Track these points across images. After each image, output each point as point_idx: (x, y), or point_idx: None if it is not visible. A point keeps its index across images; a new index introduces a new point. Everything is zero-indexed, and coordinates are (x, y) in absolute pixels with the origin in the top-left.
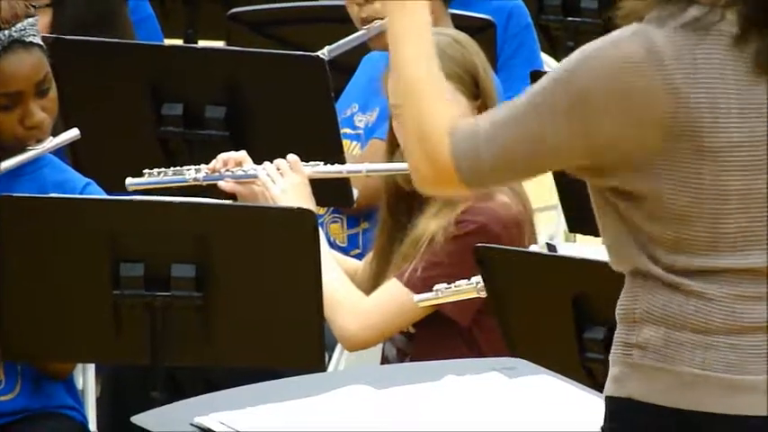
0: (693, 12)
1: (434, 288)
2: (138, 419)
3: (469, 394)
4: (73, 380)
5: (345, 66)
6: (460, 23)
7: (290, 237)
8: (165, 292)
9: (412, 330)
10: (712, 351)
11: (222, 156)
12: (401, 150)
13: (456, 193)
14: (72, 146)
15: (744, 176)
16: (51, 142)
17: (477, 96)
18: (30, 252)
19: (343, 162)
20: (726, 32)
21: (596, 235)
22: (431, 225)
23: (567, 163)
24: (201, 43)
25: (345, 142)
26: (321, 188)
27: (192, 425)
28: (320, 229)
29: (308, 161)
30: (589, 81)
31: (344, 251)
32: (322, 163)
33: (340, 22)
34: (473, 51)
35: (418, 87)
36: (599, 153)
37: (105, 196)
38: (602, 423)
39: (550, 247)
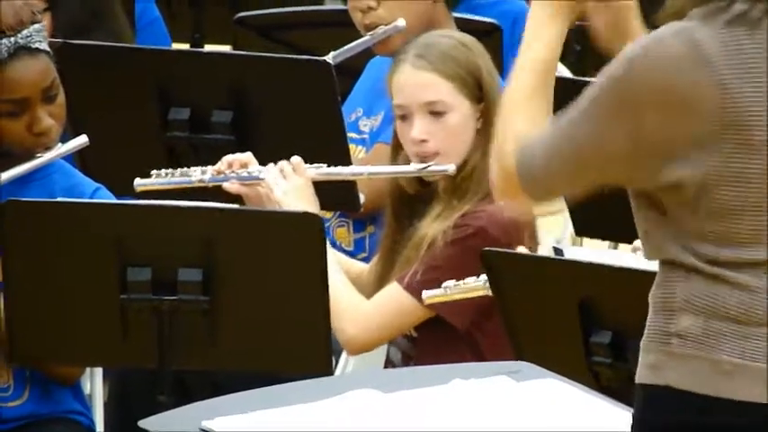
0: (739, 7)
1: (443, 285)
2: (145, 423)
3: (476, 398)
4: (80, 385)
5: (350, 70)
6: (466, 27)
7: (296, 240)
8: (172, 296)
9: (414, 334)
10: (752, 341)
11: (228, 157)
12: (404, 153)
13: (524, 204)
14: (79, 150)
15: None
16: (59, 149)
17: (481, 99)
18: (37, 256)
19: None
20: None
21: (603, 239)
22: (432, 229)
23: (619, 168)
24: (208, 47)
25: (350, 146)
26: (328, 193)
27: (199, 429)
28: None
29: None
30: (635, 82)
31: (351, 255)
32: (325, 165)
33: (346, 26)
34: (477, 54)
35: (512, 98)
36: (649, 153)
37: (112, 201)
38: (634, 412)
39: (557, 250)
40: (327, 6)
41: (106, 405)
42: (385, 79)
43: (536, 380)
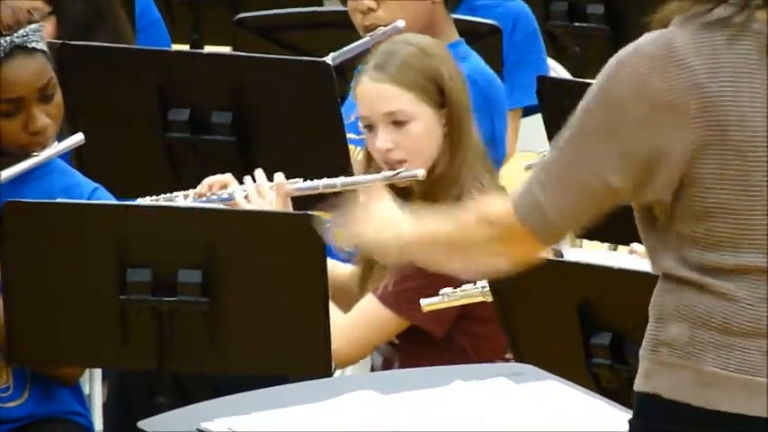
0: (720, 12)
1: (440, 292)
2: (144, 424)
3: (477, 400)
4: (80, 385)
5: (350, 71)
6: (466, 29)
7: (296, 242)
8: (171, 298)
9: (396, 341)
10: (735, 352)
11: (208, 180)
12: (376, 162)
13: (539, 253)
14: (78, 151)
15: None
16: (56, 148)
17: (443, 104)
18: (36, 257)
19: (348, 167)
20: (757, 32)
21: (602, 241)
22: None
23: (617, 179)
24: (208, 48)
25: (350, 147)
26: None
27: (198, 430)
28: None
29: (314, 166)
30: (619, 92)
31: (351, 255)
32: (301, 180)
33: (346, 27)
34: (439, 59)
35: (448, 241)
36: (641, 161)
37: (112, 201)
38: (630, 417)
39: (557, 252)
40: (327, 8)
41: (105, 406)
42: (351, 89)
43: (536, 382)
